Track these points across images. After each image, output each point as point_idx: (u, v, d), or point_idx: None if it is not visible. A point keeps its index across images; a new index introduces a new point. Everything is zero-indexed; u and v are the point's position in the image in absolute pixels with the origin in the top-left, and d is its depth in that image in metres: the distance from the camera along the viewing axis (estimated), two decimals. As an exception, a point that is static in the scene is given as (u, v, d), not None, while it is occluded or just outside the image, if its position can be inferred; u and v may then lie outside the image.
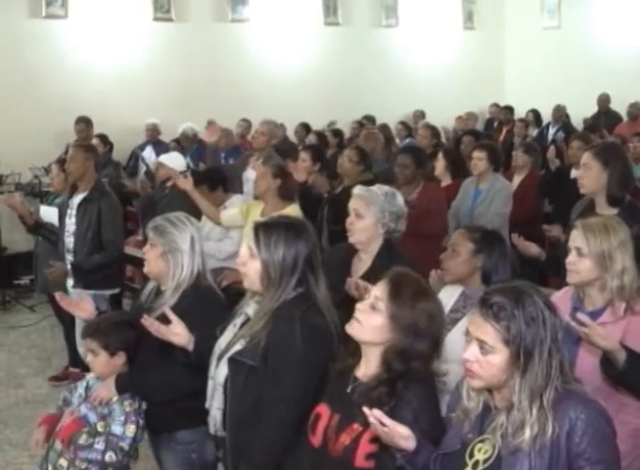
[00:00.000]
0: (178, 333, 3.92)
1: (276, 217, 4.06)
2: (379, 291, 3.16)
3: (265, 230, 3.61)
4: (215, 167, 8.14)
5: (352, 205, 4.85)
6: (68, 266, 7.05)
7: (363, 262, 4.79)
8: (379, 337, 3.11)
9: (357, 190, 4.92)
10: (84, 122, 11.57)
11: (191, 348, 3.92)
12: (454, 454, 2.83)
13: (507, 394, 2.74)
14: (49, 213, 7.77)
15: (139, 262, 8.45)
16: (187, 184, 6.78)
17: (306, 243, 3.60)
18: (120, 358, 4.20)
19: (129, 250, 8.33)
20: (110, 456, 3.99)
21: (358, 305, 3.18)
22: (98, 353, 4.19)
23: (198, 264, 4.25)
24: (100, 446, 3.99)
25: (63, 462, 4.06)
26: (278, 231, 3.59)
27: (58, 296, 4.61)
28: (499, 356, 2.68)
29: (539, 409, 2.65)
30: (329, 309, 3.55)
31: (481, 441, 2.78)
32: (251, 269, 3.60)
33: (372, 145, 9.71)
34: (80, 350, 4.51)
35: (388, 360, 3.09)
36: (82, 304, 4.55)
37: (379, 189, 4.90)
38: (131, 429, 4.06)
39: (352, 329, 3.17)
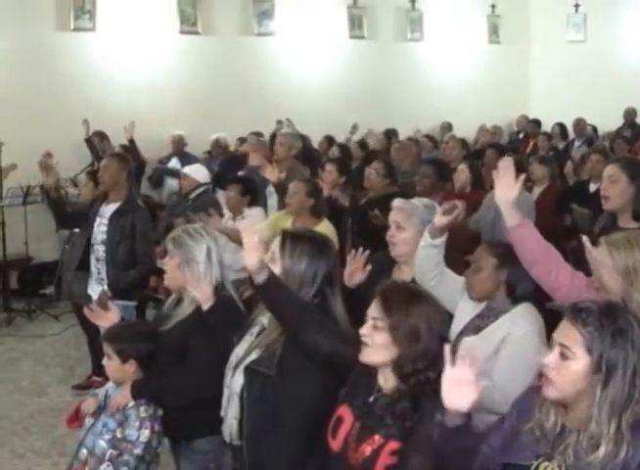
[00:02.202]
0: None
1: (304, 230, 4.11)
2: (373, 310, 3.15)
3: (292, 239, 3.68)
4: (255, 181, 8.24)
5: (393, 217, 4.83)
6: (101, 280, 7.08)
7: (404, 274, 4.75)
8: (389, 354, 3.10)
9: (397, 202, 4.91)
10: (98, 137, 11.72)
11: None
12: (521, 468, 2.76)
13: (580, 414, 2.68)
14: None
15: (162, 273, 8.59)
16: (217, 224, 6.80)
17: (328, 260, 3.67)
18: (131, 366, 4.26)
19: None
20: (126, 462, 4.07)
21: (361, 331, 3.17)
22: (111, 358, 4.28)
23: (215, 275, 4.28)
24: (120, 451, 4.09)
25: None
26: (304, 243, 3.67)
27: (86, 310, 4.68)
28: (579, 364, 2.63)
29: (617, 428, 2.58)
30: (345, 323, 3.59)
31: (549, 459, 2.71)
32: None
33: (402, 156, 9.76)
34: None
35: (402, 373, 3.08)
36: (108, 314, 4.61)
37: (418, 201, 4.90)
38: (145, 434, 4.10)
39: (363, 356, 3.16)
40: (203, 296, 4.07)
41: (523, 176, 4.18)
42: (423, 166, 7.64)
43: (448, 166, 8.14)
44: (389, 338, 3.08)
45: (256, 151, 9.29)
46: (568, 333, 2.67)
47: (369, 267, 4.46)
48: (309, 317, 3.42)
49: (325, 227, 6.45)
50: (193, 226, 4.50)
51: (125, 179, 7.27)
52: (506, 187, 4.11)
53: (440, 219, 4.30)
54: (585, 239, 3.82)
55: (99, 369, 7.55)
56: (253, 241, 3.35)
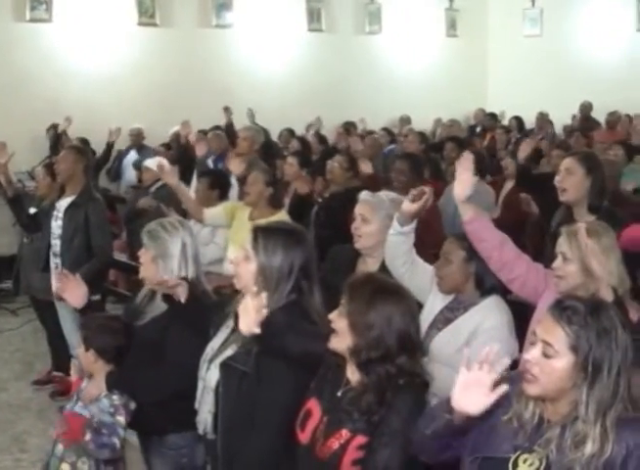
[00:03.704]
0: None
1: (275, 223, 4.10)
2: (343, 297, 3.18)
3: (265, 234, 3.63)
4: (226, 174, 8.23)
5: (358, 210, 4.82)
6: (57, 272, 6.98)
7: (369, 266, 4.74)
8: (346, 341, 3.12)
9: (364, 195, 4.91)
10: (53, 129, 11.65)
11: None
12: (499, 461, 2.75)
13: (562, 408, 2.68)
14: None
15: (123, 267, 8.53)
16: (173, 178, 6.78)
17: (304, 251, 3.62)
18: (92, 356, 4.25)
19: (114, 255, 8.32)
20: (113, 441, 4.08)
21: (330, 316, 3.20)
22: (80, 345, 4.32)
23: (191, 269, 4.25)
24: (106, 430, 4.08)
25: (65, 467, 4.13)
26: (277, 237, 3.62)
27: (54, 284, 4.65)
28: (563, 362, 2.62)
29: (602, 427, 2.58)
30: (322, 317, 3.57)
31: (529, 452, 2.70)
32: (244, 271, 3.60)
33: (367, 150, 9.79)
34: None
35: (358, 361, 3.10)
36: (76, 289, 4.55)
37: (385, 195, 4.90)
38: (121, 420, 4.10)
39: (331, 343, 3.19)
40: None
41: (475, 178, 4.22)
42: (397, 162, 7.63)
43: (421, 159, 8.15)
44: (347, 324, 3.11)
45: (200, 142, 9.36)
46: (551, 330, 2.66)
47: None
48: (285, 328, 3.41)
49: (282, 217, 6.45)
50: (169, 220, 4.46)
51: (82, 172, 7.18)
52: (463, 182, 4.18)
53: (409, 206, 4.32)
54: (581, 225, 3.85)
55: (58, 364, 7.51)
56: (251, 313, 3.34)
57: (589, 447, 2.57)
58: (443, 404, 2.83)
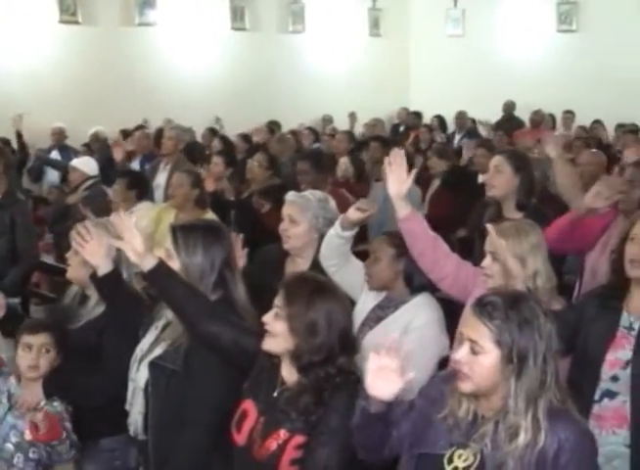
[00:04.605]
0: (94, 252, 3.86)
1: (193, 220, 4.07)
2: (277, 299, 3.17)
3: (184, 233, 3.63)
4: (144, 174, 8.17)
5: (286, 211, 4.81)
6: None
7: (298, 266, 4.73)
8: (286, 344, 3.12)
9: (291, 196, 4.89)
10: None
11: (101, 272, 3.86)
12: (435, 457, 2.79)
13: (495, 402, 2.72)
14: None
15: (46, 268, 8.39)
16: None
17: (224, 245, 3.65)
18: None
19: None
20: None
21: (264, 318, 3.19)
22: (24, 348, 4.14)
23: (126, 272, 4.18)
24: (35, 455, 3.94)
25: None
26: (196, 234, 3.63)
27: None
28: (490, 357, 2.66)
29: (533, 417, 2.62)
30: (248, 312, 3.58)
31: (463, 447, 2.75)
32: None
33: (282, 148, 9.79)
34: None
35: (299, 364, 3.10)
36: None
37: (312, 195, 4.91)
38: (69, 426, 4.00)
39: (265, 344, 3.18)
40: (96, 261, 3.91)
41: (414, 171, 4.25)
42: (299, 162, 7.68)
43: (325, 158, 8.19)
44: (287, 327, 3.09)
45: (117, 146, 9.29)
46: (475, 328, 2.70)
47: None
48: (207, 307, 3.41)
49: (209, 218, 6.40)
50: (99, 221, 4.37)
51: (3, 172, 7.04)
52: (397, 180, 4.18)
53: (353, 214, 4.33)
54: (490, 227, 3.90)
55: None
56: (129, 232, 3.37)
57: (522, 438, 2.62)
58: (360, 393, 2.90)
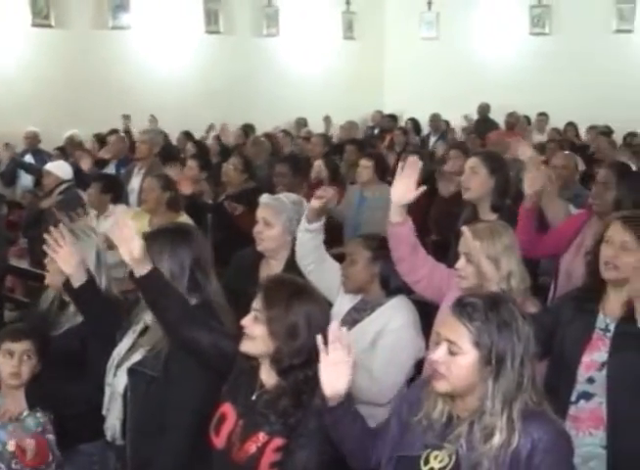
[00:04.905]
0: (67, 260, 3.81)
1: (160, 226, 4.06)
2: (256, 302, 3.17)
3: (150, 240, 3.60)
4: (119, 177, 8.16)
5: (260, 213, 4.81)
6: None
7: (273, 268, 4.73)
8: (266, 347, 3.12)
9: (265, 198, 4.90)
10: None
11: (75, 282, 3.82)
12: (412, 459, 2.80)
13: (471, 403, 2.72)
14: None
15: (21, 273, 8.35)
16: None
17: (192, 246, 3.62)
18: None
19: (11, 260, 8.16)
20: None
21: (242, 322, 3.18)
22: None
23: (105, 277, 4.17)
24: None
25: None
26: (161, 239, 3.61)
27: None
28: (468, 358, 2.67)
29: (508, 418, 2.63)
30: (226, 314, 3.57)
31: (439, 449, 2.75)
32: None
33: (257, 151, 9.79)
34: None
35: (280, 367, 3.10)
36: None
37: (286, 198, 4.91)
38: (52, 438, 3.94)
39: (243, 346, 3.17)
40: (68, 269, 3.86)
41: (422, 188, 4.15)
42: (277, 165, 7.71)
43: (302, 161, 8.22)
44: (267, 331, 3.09)
45: (84, 156, 9.40)
46: (454, 328, 2.71)
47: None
48: (189, 312, 3.39)
49: (183, 220, 6.39)
50: (79, 226, 4.35)
51: None
52: (404, 187, 4.09)
53: (313, 203, 4.37)
54: (465, 229, 3.91)
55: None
56: (128, 232, 3.31)
57: (497, 439, 2.63)
58: (316, 393, 2.94)
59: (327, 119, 15.71)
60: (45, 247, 3.92)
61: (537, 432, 2.64)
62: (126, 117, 12.68)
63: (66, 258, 3.80)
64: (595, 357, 3.59)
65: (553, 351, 3.71)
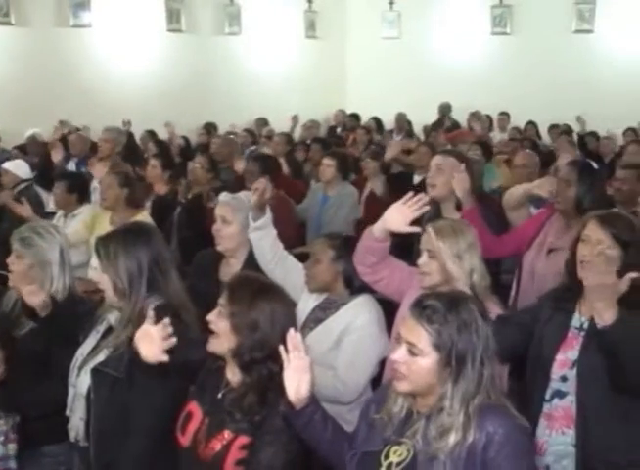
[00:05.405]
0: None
1: (114, 228, 4.05)
2: (222, 298, 3.18)
3: (103, 243, 3.61)
4: (84, 176, 8.09)
5: (219, 211, 4.83)
6: None
7: (232, 267, 4.76)
8: (228, 343, 3.12)
9: (224, 197, 4.92)
10: None
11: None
12: (373, 454, 2.82)
13: (430, 400, 2.74)
14: None
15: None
16: (26, 211, 6.70)
17: (147, 245, 3.60)
18: None
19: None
20: None
21: (208, 317, 3.18)
22: None
23: (69, 276, 4.14)
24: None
25: None
26: (115, 241, 3.60)
27: None
28: (428, 360, 2.68)
29: (465, 415, 2.65)
30: (189, 312, 3.56)
31: (398, 443, 2.78)
32: (103, 284, 3.60)
33: (228, 151, 9.79)
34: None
35: (241, 362, 3.10)
36: None
37: (245, 196, 4.91)
38: (12, 447, 3.90)
39: (210, 345, 3.17)
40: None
41: (417, 229, 4.04)
42: (248, 164, 7.71)
43: (273, 159, 8.22)
44: (229, 325, 3.10)
45: (56, 146, 9.30)
46: (414, 330, 2.72)
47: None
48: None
49: (142, 218, 6.40)
50: (41, 225, 4.30)
51: None
52: (402, 218, 3.97)
53: (252, 198, 4.45)
54: (428, 227, 3.93)
55: None
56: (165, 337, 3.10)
57: (453, 438, 2.66)
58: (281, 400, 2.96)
59: (295, 118, 15.65)
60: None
61: (493, 425, 2.66)
62: (127, 124, 12.65)
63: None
64: (569, 356, 3.63)
65: (530, 349, 3.75)
